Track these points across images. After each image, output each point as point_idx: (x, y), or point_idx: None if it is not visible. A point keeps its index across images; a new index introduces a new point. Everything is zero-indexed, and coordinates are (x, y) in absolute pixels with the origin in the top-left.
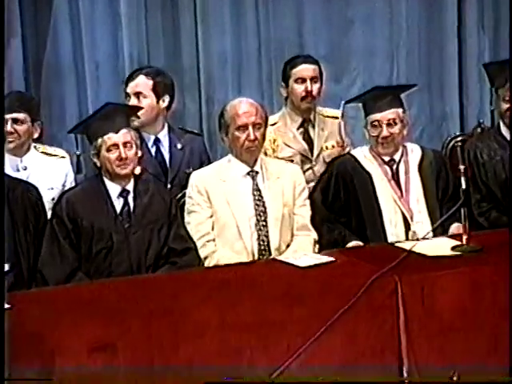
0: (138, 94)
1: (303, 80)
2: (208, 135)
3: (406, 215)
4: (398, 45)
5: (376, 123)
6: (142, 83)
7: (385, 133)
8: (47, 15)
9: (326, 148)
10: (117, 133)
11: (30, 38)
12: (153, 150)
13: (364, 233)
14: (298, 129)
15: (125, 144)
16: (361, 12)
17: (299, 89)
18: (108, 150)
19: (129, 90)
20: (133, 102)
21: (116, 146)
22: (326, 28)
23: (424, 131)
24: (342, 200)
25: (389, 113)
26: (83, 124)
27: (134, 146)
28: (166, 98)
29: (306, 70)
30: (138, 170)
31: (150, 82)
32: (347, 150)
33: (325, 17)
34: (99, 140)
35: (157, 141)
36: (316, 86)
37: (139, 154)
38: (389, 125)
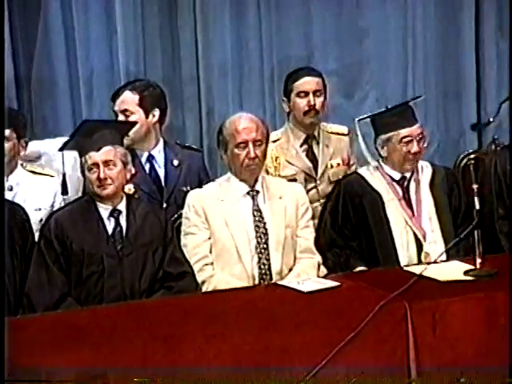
0: (124, 112)
1: (306, 93)
2: (208, 151)
3: (418, 235)
4: (413, 57)
5: (407, 139)
6: (128, 99)
7: (415, 148)
8: (37, 25)
9: (331, 166)
10: (98, 151)
11: (20, 49)
12: (146, 167)
13: (375, 255)
14: (301, 146)
15: (106, 163)
16: (373, 22)
17: (301, 103)
18: (89, 170)
19: (116, 107)
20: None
21: (96, 165)
22: (335, 39)
23: (439, 148)
24: (352, 222)
25: (417, 127)
26: (68, 143)
27: (118, 164)
28: (156, 112)
29: (308, 83)
30: (128, 189)
31: (136, 98)
32: (353, 168)
33: (334, 27)
34: (83, 159)
35: (150, 157)
36: (319, 100)
37: (132, 171)
38: (419, 140)
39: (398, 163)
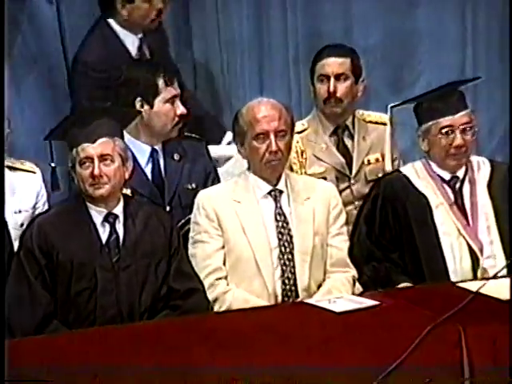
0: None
1: (327, 78)
2: None
3: (473, 248)
4: (473, 31)
5: (447, 129)
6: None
7: (459, 141)
8: None
9: (369, 162)
10: (93, 142)
11: None
12: (149, 165)
13: (420, 270)
14: (329, 137)
15: (102, 157)
16: None
17: (321, 89)
18: (81, 164)
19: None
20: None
21: (90, 159)
22: (379, 9)
23: (502, 142)
24: (391, 231)
25: (462, 115)
26: (57, 130)
27: (116, 159)
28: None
29: (329, 64)
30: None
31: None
32: (395, 165)
33: None
34: (74, 151)
35: (154, 153)
36: (344, 85)
37: (129, 169)
38: (463, 130)
39: (440, 159)
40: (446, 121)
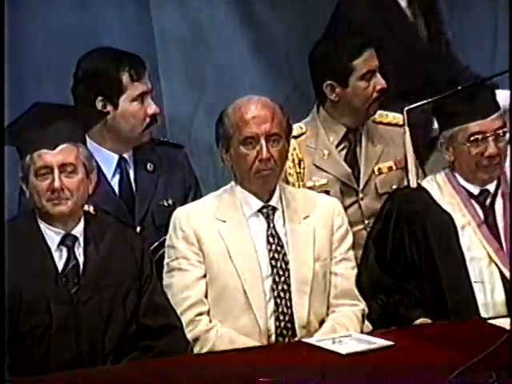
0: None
1: (372, 73)
2: (207, 149)
3: (507, 277)
4: (505, 16)
5: (477, 136)
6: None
7: (492, 150)
8: None
9: (380, 171)
10: (53, 149)
11: None
12: (116, 176)
13: (443, 305)
14: (339, 143)
15: (63, 167)
16: None
17: (367, 87)
18: (37, 175)
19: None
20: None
21: (49, 168)
22: None
23: None
24: (406, 255)
25: (494, 119)
26: (7, 132)
27: (79, 170)
28: None
29: (371, 59)
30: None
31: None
32: (413, 176)
33: None
34: (27, 158)
35: (122, 162)
36: (383, 80)
37: (93, 182)
38: (496, 137)
39: (469, 171)
40: (475, 126)
